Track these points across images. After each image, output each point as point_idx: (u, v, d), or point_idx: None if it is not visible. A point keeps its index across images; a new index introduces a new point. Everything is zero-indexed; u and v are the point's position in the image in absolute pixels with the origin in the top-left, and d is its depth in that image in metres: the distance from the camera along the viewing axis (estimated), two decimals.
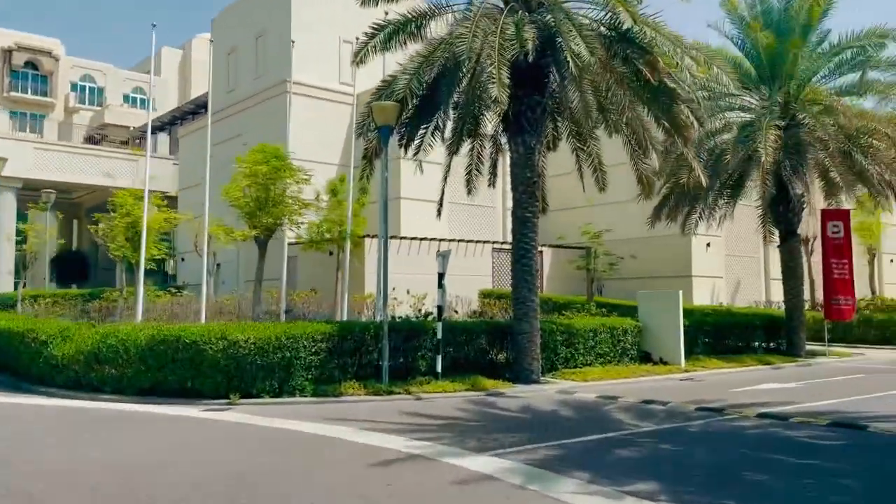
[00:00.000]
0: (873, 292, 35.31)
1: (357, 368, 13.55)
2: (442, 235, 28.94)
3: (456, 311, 20.93)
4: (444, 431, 9.75)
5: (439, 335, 13.93)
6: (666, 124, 14.77)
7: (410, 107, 16.09)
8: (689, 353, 18.34)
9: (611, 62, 14.24)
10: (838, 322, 23.28)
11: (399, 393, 12.98)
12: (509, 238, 15.29)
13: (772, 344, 21.52)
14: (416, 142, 16.38)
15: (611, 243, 27.19)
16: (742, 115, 20.55)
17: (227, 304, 23.37)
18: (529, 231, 15.25)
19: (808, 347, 21.35)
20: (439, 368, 13.82)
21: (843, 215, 21.12)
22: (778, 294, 34.23)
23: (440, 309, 14.09)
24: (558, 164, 24.05)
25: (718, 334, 20.14)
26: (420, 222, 29.13)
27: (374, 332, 13.67)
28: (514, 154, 15.29)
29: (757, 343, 21.17)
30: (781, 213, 20.81)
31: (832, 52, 19.41)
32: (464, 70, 13.72)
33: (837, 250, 20.96)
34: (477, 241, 29.03)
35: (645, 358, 17.90)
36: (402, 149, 16.51)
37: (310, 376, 12.85)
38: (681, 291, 18.19)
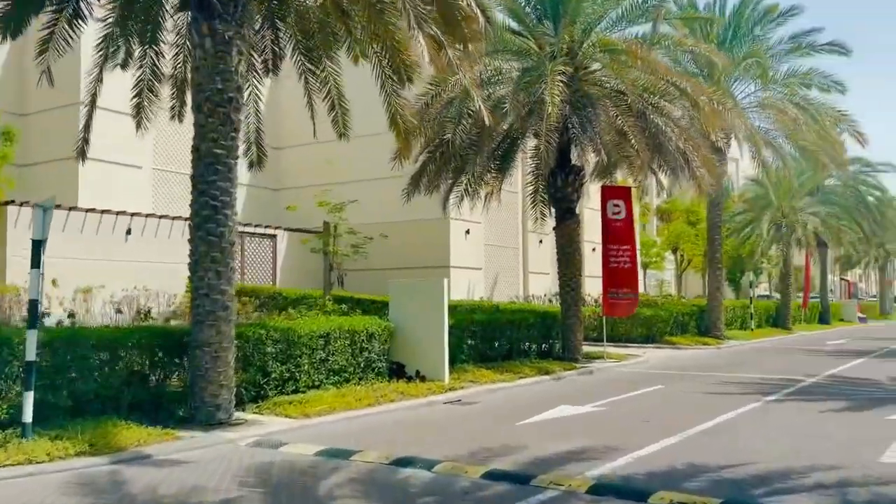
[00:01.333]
0: None
1: None
2: (142, 210, 21.91)
3: (120, 311, 14.25)
4: None
5: (30, 355, 7.56)
6: (434, 30, 9.75)
7: None
8: (454, 362, 13.81)
9: None
10: (609, 318, 20.43)
11: None
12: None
13: (544, 346, 17.83)
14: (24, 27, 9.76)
15: (361, 227, 21.87)
16: (521, 62, 16.44)
17: None
18: (222, 179, 9.46)
19: (583, 349, 18.04)
20: (29, 417, 7.46)
21: (625, 193, 17.98)
22: (536, 288, 31.97)
23: (34, 306, 7.69)
24: (298, 133, 18.72)
25: (487, 336, 15.87)
26: (115, 193, 22.08)
27: None
28: (199, 51, 9.34)
29: (528, 344, 17.33)
30: (559, 186, 17.09)
31: None
32: None
33: (619, 234, 17.71)
34: (187, 219, 22.17)
35: (397, 371, 13.01)
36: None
37: None
38: (446, 280, 13.58)
